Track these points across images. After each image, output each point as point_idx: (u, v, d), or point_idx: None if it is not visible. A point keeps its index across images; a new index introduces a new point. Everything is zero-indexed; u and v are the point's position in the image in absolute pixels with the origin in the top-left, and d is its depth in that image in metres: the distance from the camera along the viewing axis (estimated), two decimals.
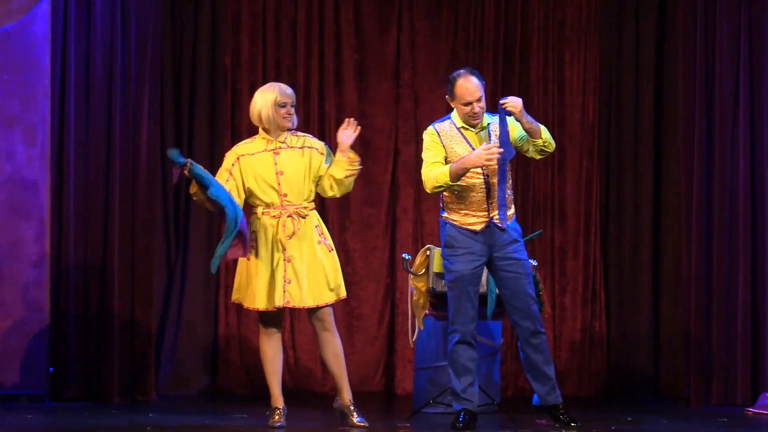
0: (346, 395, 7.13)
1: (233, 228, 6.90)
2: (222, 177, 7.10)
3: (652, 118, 9.64)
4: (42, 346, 8.52)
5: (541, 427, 7.26)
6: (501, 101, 6.93)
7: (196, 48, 9.53)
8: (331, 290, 7.09)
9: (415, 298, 8.00)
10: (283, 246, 7.00)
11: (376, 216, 9.73)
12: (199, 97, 9.53)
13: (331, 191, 7.16)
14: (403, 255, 8.09)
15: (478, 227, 7.11)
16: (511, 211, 7.17)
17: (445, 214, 7.23)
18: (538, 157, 7.10)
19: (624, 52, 9.71)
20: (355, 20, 9.77)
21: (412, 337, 8.12)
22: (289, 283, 6.98)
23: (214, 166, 9.46)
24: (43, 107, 8.58)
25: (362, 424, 7.06)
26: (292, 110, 7.16)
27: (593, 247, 9.68)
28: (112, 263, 8.65)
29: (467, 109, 7.03)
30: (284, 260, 6.99)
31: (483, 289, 7.61)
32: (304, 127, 9.65)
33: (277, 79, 9.65)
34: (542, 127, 7.02)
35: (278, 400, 7.11)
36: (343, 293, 7.17)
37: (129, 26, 8.73)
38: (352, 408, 7.11)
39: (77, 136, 8.64)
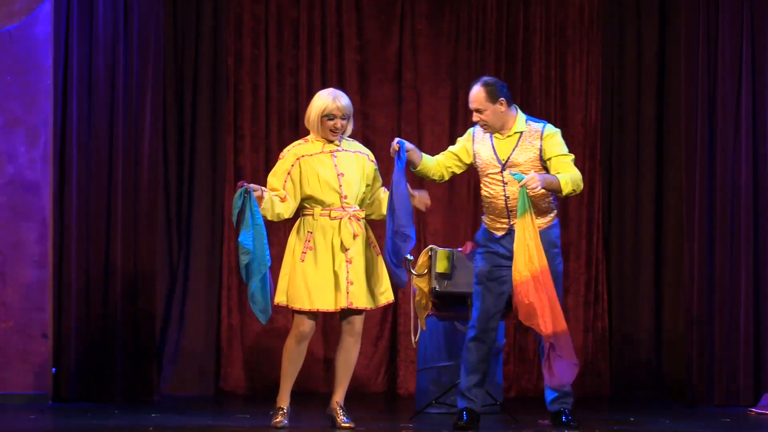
0: (337, 396, 7.13)
1: (254, 275, 6.91)
2: (280, 179, 7.00)
3: (654, 119, 9.64)
4: (44, 346, 8.52)
5: (543, 427, 7.26)
6: (518, 183, 6.89)
7: (198, 49, 9.53)
8: (382, 293, 7.13)
9: (417, 298, 7.99)
10: (344, 247, 7.00)
11: None
12: (201, 99, 9.53)
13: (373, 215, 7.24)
14: (406, 255, 8.09)
15: (500, 233, 7.13)
16: (542, 221, 7.11)
17: (483, 216, 7.25)
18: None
19: (626, 54, 9.71)
20: (357, 22, 9.78)
21: (415, 337, 8.11)
22: (352, 284, 6.99)
23: (215, 166, 9.54)
24: (45, 108, 8.58)
25: (348, 424, 7.04)
26: (343, 122, 7.05)
27: (595, 248, 9.68)
28: (115, 264, 8.65)
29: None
30: (346, 261, 7.00)
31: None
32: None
33: (278, 81, 9.68)
34: (563, 180, 6.95)
35: (286, 400, 7.09)
36: (392, 297, 7.21)
37: (131, 27, 8.74)
38: (339, 410, 7.10)
39: (79, 138, 8.64)
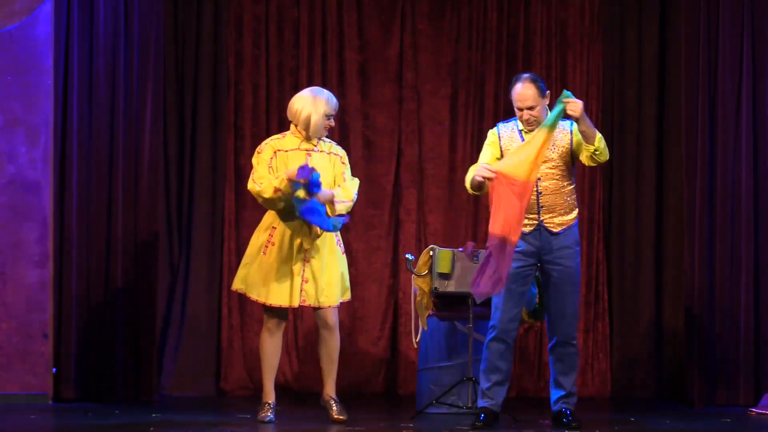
0: (328, 389, 7.37)
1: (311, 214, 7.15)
2: (264, 169, 7.25)
3: (655, 120, 9.64)
4: (44, 346, 8.52)
5: (543, 427, 7.25)
6: (563, 98, 6.92)
7: (198, 49, 9.53)
8: (343, 292, 7.36)
9: (418, 298, 8.00)
10: (304, 246, 7.15)
11: (379, 217, 9.72)
12: (201, 99, 9.53)
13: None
14: (407, 255, 8.09)
15: (528, 229, 7.14)
16: (569, 217, 7.15)
17: None
18: (590, 163, 7.14)
19: (626, 55, 9.71)
20: (358, 22, 9.78)
21: (416, 337, 8.11)
22: (306, 282, 7.21)
23: (215, 166, 9.54)
24: (46, 108, 8.58)
25: (340, 416, 7.28)
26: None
27: (596, 249, 9.67)
28: (115, 264, 8.65)
29: (518, 114, 7.13)
30: (303, 260, 7.19)
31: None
32: None
33: (279, 81, 9.68)
34: (599, 135, 7.06)
35: (270, 395, 7.34)
36: (350, 295, 7.48)
37: (132, 27, 8.74)
38: (332, 402, 7.35)
39: (80, 138, 8.64)
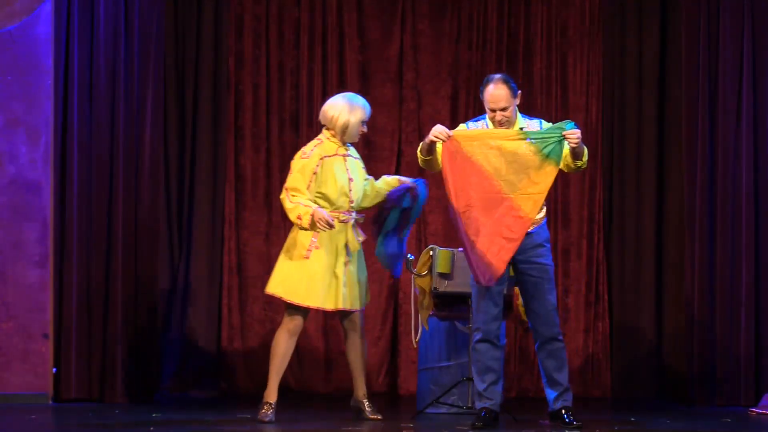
0: (361, 391, 7.51)
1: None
2: (306, 178, 7.31)
3: (655, 119, 9.64)
4: (44, 346, 8.52)
5: (543, 428, 7.25)
6: (564, 133, 6.93)
7: (199, 49, 9.54)
8: (365, 296, 7.54)
9: (419, 298, 8.00)
10: (349, 251, 7.34)
11: None
12: (202, 99, 9.53)
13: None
14: (408, 255, 8.09)
15: None
16: (540, 215, 7.15)
17: None
18: (567, 171, 7.14)
19: (627, 54, 9.71)
20: (358, 22, 9.78)
21: (416, 337, 8.12)
22: (346, 286, 7.34)
23: (216, 165, 9.54)
24: (46, 108, 8.59)
25: (375, 416, 7.44)
26: None
27: (596, 249, 9.67)
28: (115, 264, 8.65)
29: (490, 115, 7.10)
30: (345, 264, 7.34)
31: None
32: (307, 128, 9.67)
33: (279, 81, 9.68)
34: (585, 151, 7.08)
35: (273, 395, 7.39)
36: (368, 299, 7.66)
37: (132, 27, 8.74)
38: (366, 402, 7.49)
39: (80, 138, 8.64)
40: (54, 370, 8.56)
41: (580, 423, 7.14)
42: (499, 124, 7.10)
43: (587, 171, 9.63)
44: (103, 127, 8.68)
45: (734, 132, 8.88)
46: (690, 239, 8.90)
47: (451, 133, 6.99)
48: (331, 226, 7.14)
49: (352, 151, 7.51)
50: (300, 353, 9.59)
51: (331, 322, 9.57)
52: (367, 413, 7.47)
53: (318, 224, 7.14)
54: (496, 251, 6.94)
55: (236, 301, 9.59)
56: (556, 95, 9.75)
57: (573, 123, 7.00)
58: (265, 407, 7.38)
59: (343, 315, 7.45)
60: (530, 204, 6.99)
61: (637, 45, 9.68)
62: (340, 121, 7.39)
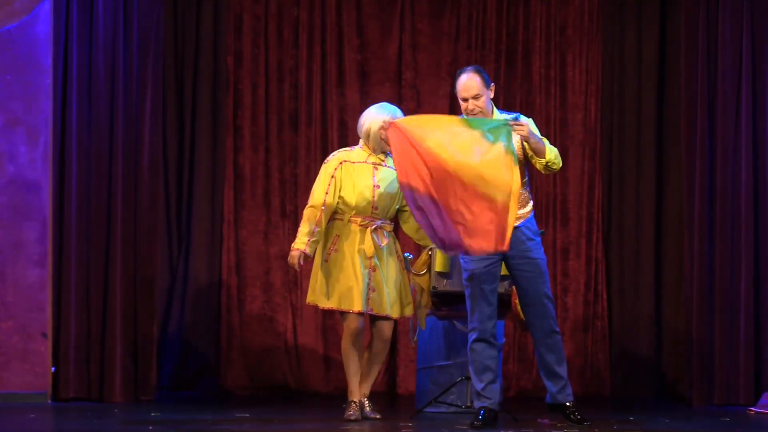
0: (364, 389, 7.53)
1: None
2: (324, 182, 7.38)
3: (654, 118, 9.64)
4: (44, 346, 8.53)
5: (543, 427, 7.26)
6: (510, 123, 6.94)
7: (198, 48, 9.54)
8: (406, 306, 7.52)
9: (417, 297, 8.00)
10: (367, 255, 7.34)
11: None
12: (201, 98, 9.54)
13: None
14: (405, 254, 8.09)
15: None
16: (525, 210, 7.15)
17: None
18: (544, 172, 7.13)
19: (626, 53, 9.71)
20: (357, 21, 9.78)
21: (414, 336, 8.12)
22: (373, 291, 7.37)
23: (215, 164, 9.54)
24: (46, 108, 8.58)
25: (374, 416, 7.45)
26: None
27: (595, 247, 9.68)
28: (115, 264, 8.65)
29: (463, 105, 7.08)
30: (368, 268, 7.36)
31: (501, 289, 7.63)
32: (306, 127, 9.67)
33: (278, 80, 9.69)
34: (548, 147, 7.04)
35: (355, 394, 7.47)
36: (411, 311, 7.60)
37: (131, 26, 8.74)
38: (366, 401, 7.51)
39: (79, 137, 8.64)
40: (53, 369, 8.56)
41: (589, 421, 7.15)
42: (471, 114, 7.08)
43: (586, 170, 9.63)
44: (102, 127, 8.68)
45: (733, 132, 8.88)
46: (689, 238, 8.90)
47: (393, 122, 7.05)
48: (294, 269, 7.40)
49: (390, 161, 7.45)
50: (299, 353, 9.60)
51: (330, 321, 9.57)
52: (368, 413, 7.48)
53: (289, 261, 7.33)
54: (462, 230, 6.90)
55: (235, 301, 9.59)
56: (555, 94, 9.75)
57: (520, 115, 7.04)
58: (351, 407, 7.44)
59: (372, 321, 7.50)
60: (483, 183, 6.86)
61: (637, 44, 9.68)
62: (364, 128, 7.44)
